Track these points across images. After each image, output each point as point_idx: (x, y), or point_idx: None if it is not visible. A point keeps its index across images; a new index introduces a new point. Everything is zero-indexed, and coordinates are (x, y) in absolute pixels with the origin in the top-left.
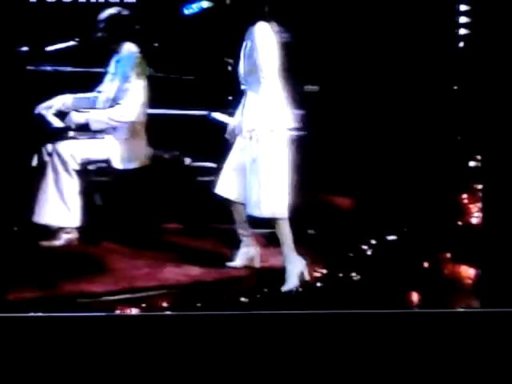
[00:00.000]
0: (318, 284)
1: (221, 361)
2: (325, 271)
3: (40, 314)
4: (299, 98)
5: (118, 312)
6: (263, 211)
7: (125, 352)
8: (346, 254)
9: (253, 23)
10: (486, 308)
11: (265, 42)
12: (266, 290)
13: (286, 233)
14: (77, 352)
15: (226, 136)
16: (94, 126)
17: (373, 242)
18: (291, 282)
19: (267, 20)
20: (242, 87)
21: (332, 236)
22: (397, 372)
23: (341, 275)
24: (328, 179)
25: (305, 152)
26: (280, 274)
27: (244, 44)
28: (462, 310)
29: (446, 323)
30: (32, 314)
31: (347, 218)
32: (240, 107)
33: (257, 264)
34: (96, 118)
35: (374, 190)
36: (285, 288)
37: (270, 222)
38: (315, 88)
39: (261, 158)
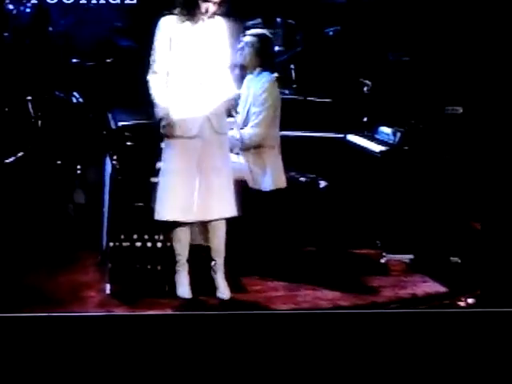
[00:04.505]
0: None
1: (223, 361)
2: (471, 301)
3: (40, 314)
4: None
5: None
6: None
7: (125, 352)
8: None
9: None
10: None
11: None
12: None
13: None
14: (77, 352)
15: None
16: None
17: None
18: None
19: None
20: (196, 85)
21: (478, 264)
22: (397, 372)
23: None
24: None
25: (449, 176)
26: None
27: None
28: (461, 310)
29: (445, 323)
30: (32, 314)
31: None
32: (192, 106)
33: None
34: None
35: None
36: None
37: None
38: (458, 109)
39: (214, 159)
